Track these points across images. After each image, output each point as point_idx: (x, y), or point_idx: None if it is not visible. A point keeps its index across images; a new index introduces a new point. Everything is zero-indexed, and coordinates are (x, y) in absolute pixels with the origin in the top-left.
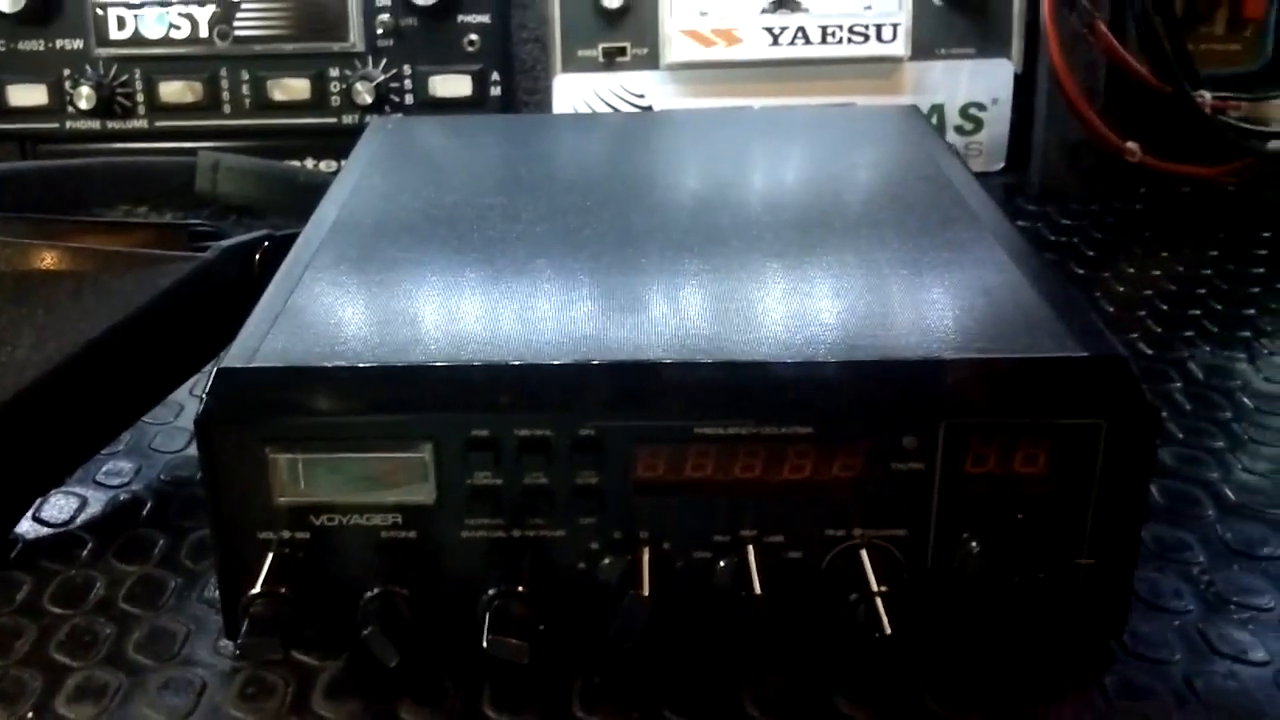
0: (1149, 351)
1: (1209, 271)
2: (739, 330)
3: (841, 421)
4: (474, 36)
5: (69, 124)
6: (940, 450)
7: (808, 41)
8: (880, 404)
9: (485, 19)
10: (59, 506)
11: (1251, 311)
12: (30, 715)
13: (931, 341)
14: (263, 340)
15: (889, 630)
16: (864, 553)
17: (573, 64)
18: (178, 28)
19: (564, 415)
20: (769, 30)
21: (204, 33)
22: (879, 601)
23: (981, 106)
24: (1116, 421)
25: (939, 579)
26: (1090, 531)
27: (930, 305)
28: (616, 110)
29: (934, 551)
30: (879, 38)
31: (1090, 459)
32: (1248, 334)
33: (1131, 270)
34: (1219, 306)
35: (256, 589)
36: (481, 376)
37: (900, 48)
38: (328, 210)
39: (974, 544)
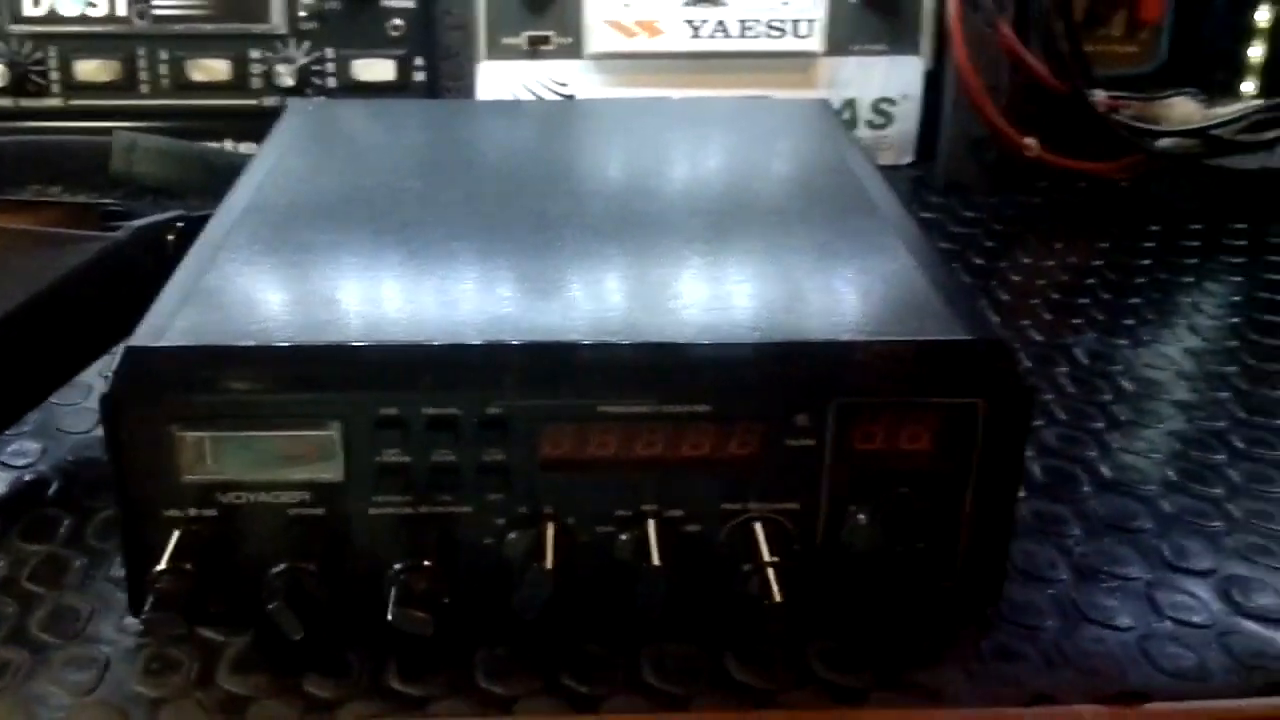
0: (1038, 338)
1: (1099, 263)
2: (643, 312)
3: (738, 400)
4: (398, 21)
5: None
6: (831, 428)
7: (727, 35)
8: (774, 383)
9: (409, 4)
10: None
11: (1137, 300)
12: None
13: (825, 324)
14: (172, 319)
15: (779, 598)
16: (758, 525)
17: (497, 51)
18: (94, 5)
19: (471, 394)
20: (690, 23)
21: (122, 11)
22: (770, 571)
23: (892, 102)
24: (995, 401)
25: (828, 550)
26: (970, 505)
27: (826, 290)
28: (539, 98)
29: (824, 524)
30: (795, 33)
31: (970, 436)
32: (1132, 322)
33: (1027, 260)
34: (1107, 296)
35: (161, 565)
36: (389, 356)
37: (816, 43)
38: (242, 191)
39: (861, 516)
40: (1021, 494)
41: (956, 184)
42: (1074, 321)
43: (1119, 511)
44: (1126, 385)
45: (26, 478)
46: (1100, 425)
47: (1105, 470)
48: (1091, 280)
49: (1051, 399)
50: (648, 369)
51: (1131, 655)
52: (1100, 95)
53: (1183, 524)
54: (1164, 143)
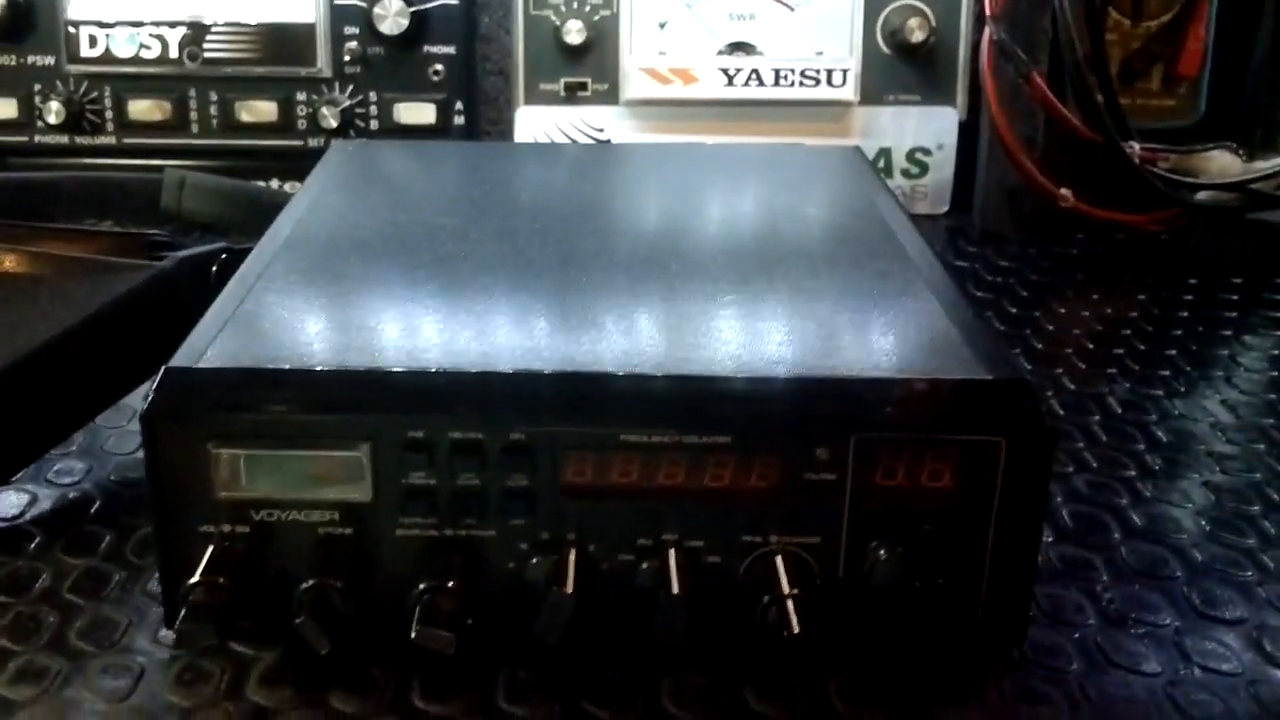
0: (1071, 386)
1: (1135, 314)
2: (667, 345)
3: (758, 433)
4: (439, 67)
5: (38, 138)
6: (851, 463)
7: (761, 83)
8: (795, 417)
9: (450, 50)
10: (9, 502)
11: (1173, 352)
12: None
13: (846, 361)
14: (210, 342)
15: (797, 630)
16: (778, 558)
17: (535, 96)
18: (148, 48)
19: (496, 421)
20: (724, 71)
21: (174, 54)
22: (790, 603)
23: (927, 151)
24: (1016, 439)
25: (849, 585)
26: (992, 543)
27: (850, 329)
28: (574, 141)
29: (845, 558)
30: (829, 82)
31: (992, 475)
32: (1167, 373)
33: (1062, 310)
34: (1142, 347)
35: (195, 578)
36: (416, 381)
37: (850, 92)
38: (284, 225)
39: (882, 552)
40: (1049, 538)
41: (992, 234)
42: (1108, 371)
43: (1149, 559)
44: (1160, 434)
45: (71, 495)
46: (1132, 473)
47: (1135, 517)
48: (1127, 331)
49: (1082, 446)
50: (669, 400)
51: (1158, 701)
52: (1135, 147)
53: (1214, 573)
54: (1202, 196)
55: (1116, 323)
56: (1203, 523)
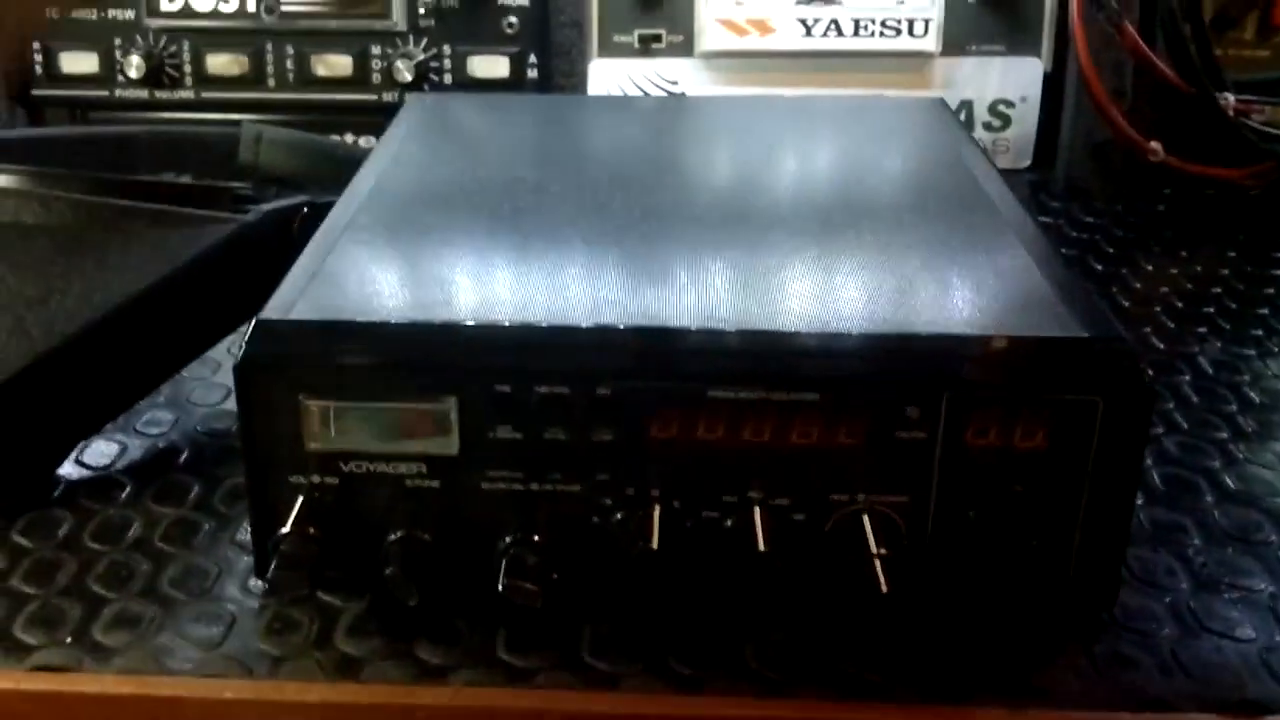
0: (1160, 345)
1: (1226, 271)
2: (753, 301)
3: (847, 390)
4: (513, 19)
5: (118, 92)
6: (942, 421)
7: (840, 34)
8: (885, 375)
9: (524, 2)
10: (100, 451)
11: (1265, 311)
12: (69, 640)
13: (938, 318)
14: (300, 295)
15: (886, 589)
16: (866, 517)
17: (609, 49)
18: (226, 1)
19: (583, 376)
20: (802, 21)
21: (251, 7)
22: (878, 563)
23: (1010, 104)
24: (1113, 399)
25: (938, 545)
26: (1085, 505)
27: (941, 285)
28: (648, 95)
29: (934, 518)
30: (910, 32)
31: (1087, 435)
32: (1260, 333)
33: (1149, 268)
34: (1233, 305)
35: (286, 529)
36: (505, 336)
37: (931, 43)
38: (365, 179)
39: (972, 513)
40: (1140, 501)
41: (1077, 189)
42: (1198, 330)
43: (1242, 523)
44: (1253, 395)
45: (160, 445)
46: (1224, 435)
47: (1229, 480)
48: (1217, 289)
49: (1173, 407)
50: (756, 356)
51: (1252, 666)
52: (1230, 99)
53: None
54: None
55: (1207, 281)
56: None
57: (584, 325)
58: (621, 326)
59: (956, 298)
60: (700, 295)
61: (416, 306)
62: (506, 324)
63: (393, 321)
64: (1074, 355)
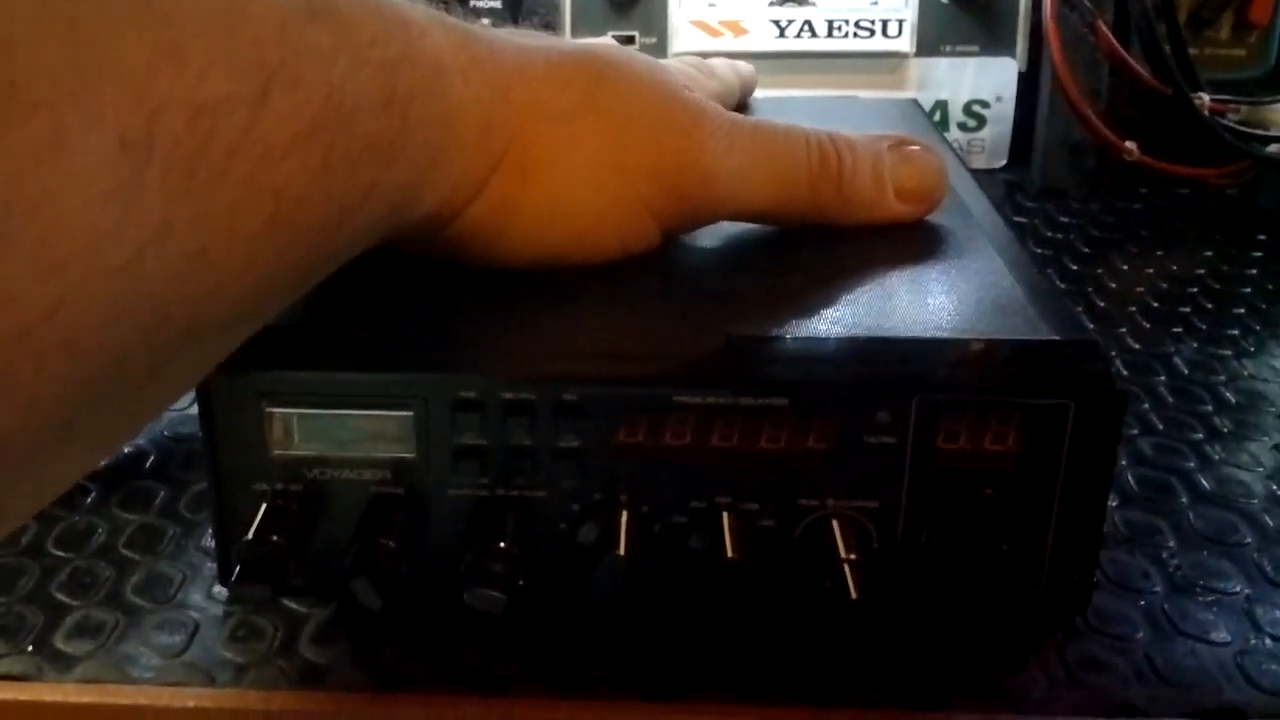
0: (1136, 346)
1: (1202, 271)
2: (720, 306)
3: (815, 395)
4: (485, 21)
5: None
6: (912, 426)
7: (814, 35)
8: (853, 379)
9: (495, 3)
10: None
11: (1241, 310)
12: (30, 648)
13: (907, 321)
14: None
15: (855, 595)
16: (835, 522)
17: None
18: None
19: (548, 380)
20: (775, 23)
21: None
22: (847, 569)
23: (985, 104)
24: (1084, 403)
25: (909, 550)
26: (1057, 508)
27: (910, 288)
28: None
29: (905, 523)
30: (884, 33)
31: (1058, 439)
32: (1236, 332)
33: (1125, 268)
34: (1209, 305)
35: (249, 536)
36: (469, 341)
37: (905, 43)
38: None
39: (943, 517)
40: (1114, 503)
41: (1052, 189)
42: (1174, 330)
43: (1218, 524)
44: (1229, 396)
45: (126, 450)
46: (1199, 436)
47: (1203, 481)
48: (1194, 289)
49: (1148, 408)
50: (722, 361)
51: (1228, 671)
52: (1205, 99)
53: None
54: (1273, 148)
55: (1182, 281)
56: (1274, 487)
57: (549, 329)
58: (587, 330)
59: (926, 301)
60: (668, 299)
61: (381, 311)
62: (470, 329)
63: (355, 328)
64: (1044, 358)
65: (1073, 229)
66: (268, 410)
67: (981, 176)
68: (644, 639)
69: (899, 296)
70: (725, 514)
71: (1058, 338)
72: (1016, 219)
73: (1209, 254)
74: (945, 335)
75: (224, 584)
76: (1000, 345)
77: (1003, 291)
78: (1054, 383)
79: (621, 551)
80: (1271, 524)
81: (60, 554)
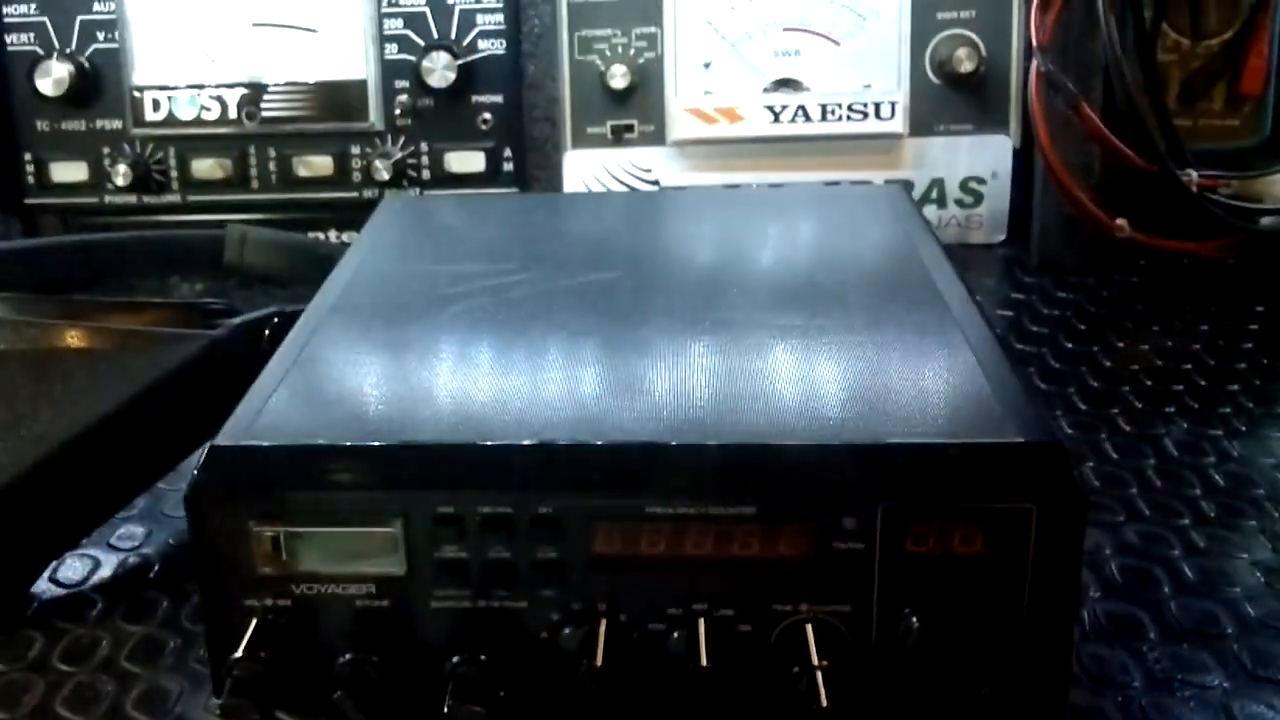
0: (1126, 428)
1: (1197, 346)
2: (693, 412)
3: (783, 503)
4: (487, 115)
5: (107, 198)
6: (879, 531)
7: (808, 119)
8: (820, 487)
9: (498, 99)
10: (73, 568)
11: (1235, 387)
12: None
13: (875, 426)
14: (255, 419)
15: (824, 703)
16: (809, 627)
17: (582, 141)
18: (209, 109)
19: (523, 494)
20: (770, 109)
21: (233, 114)
22: (819, 675)
23: (981, 180)
24: (1046, 506)
25: (884, 653)
26: (1027, 610)
27: (880, 390)
28: (625, 185)
29: (877, 626)
30: (878, 115)
31: (1023, 541)
32: (1228, 410)
33: (1120, 344)
34: (1203, 382)
35: (239, 653)
36: (444, 456)
37: (899, 125)
38: (331, 290)
39: (915, 620)
40: (1096, 594)
41: (1050, 264)
42: (1166, 410)
43: (1199, 615)
44: (1217, 478)
45: (130, 560)
46: (1186, 521)
47: (1187, 570)
48: (1187, 365)
49: (1135, 493)
50: (691, 471)
51: None
52: (1193, 175)
53: (1269, 629)
54: (1266, 221)
55: (1177, 356)
56: (1258, 575)
57: (521, 443)
58: (560, 443)
59: (895, 403)
60: (642, 406)
61: (365, 428)
62: (445, 444)
63: (337, 446)
64: (1006, 462)
65: (1069, 304)
66: (255, 529)
67: (980, 252)
68: None
69: (866, 399)
70: (702, 620)
71: (1021, 439)
72: (1014, 295)
73: (1205, 328)
74: (910, 440)
75: (218, 698)
76: (963, 450)
77: (972, 391)
78: (1015, 487)
79: (599, 662)
80: (1254, 613)
81: (65, 668)
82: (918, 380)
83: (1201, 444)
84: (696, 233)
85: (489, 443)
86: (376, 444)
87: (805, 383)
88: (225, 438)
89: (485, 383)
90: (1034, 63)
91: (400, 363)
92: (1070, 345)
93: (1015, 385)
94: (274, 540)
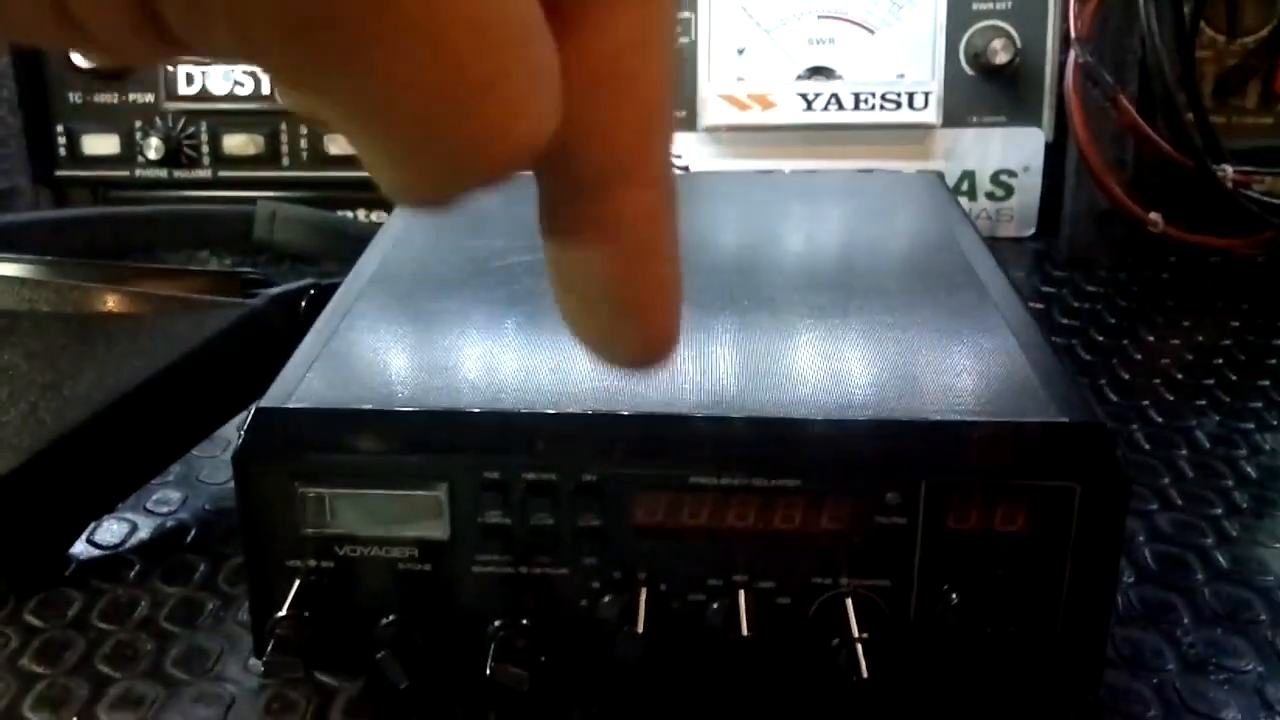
0: (1158, 419)
1: (1228, 341)
2: (738, 387)
3: (827, 476)
4: None
5: (138, 172)
6: (922, 507)
7: (841, 107)
8: (864, 461)
9: None
10: (111, 531)
11: (1266, 383)
12: None
13: (918, 403)
14: (299, 383)
15: (866, 675)
16: (849, 601)
17: None
18: (242, 84)
19: (568, 462)
20: (803, 96)
21: (266, 89)
22: (859, 647)
23: (1012, 174)
24: (1090, 485)
25: (922, 628)
26: (1067, 588)
27: (923, 369)
28: None
29: (916, 602)
30: (911, 105)
31: (1066, 520)
32: (1259, 405)
33: (1151, 339)
34: (1234, 377)
35: (283, 612)
36: (491, 422)
37: (932, 115)
38: (368, 261)
39: (954, 596)
40: (1130, 579)
41: (1081, 258)
42: (1198, 403)
43: (1232, 602)
44: (1249, 470)
45: (168, 524)
46: (1218, 511)
47: (1220, 558)
48: (1219, 360)
49: (1167, 483)
50: (737, 443)
51: None
52: (1228, 170)
53: None
54: None
55: (1208, 351)
56: None
57: (571, 411)
58: (606, 412)
59: (937, 382)
60: (686, 380)
61: (409, 393)
62: (493, 410)
63: (385, 410)
64: (1051, 441)
65: (1100, 299)
66: (300, 490)
67: (1010, 245)
68: (662, 714)
69: (910, 378)
70: (742, 592)
71: (1065, 420)
72: (1044, 289)
73: (1236, 324)
74: (954, 418)
75: (259, 658)
76: (1008, 428)
77: (1013, 372)
78: (1060, 466)
79: (640, 629)
80: None
81: (104, 626)
82: (961, 360)
83: (1233, 437)
84: (735, 216)
85: (536, 410)
86: (422, 409)
87: (849, 361)
88: (271, 400)
89: (529, 353)
90: (1072, 54)
91: (442, 332)
92: (1101, 339)
93: (1058, 367)
94: (318, 502)
